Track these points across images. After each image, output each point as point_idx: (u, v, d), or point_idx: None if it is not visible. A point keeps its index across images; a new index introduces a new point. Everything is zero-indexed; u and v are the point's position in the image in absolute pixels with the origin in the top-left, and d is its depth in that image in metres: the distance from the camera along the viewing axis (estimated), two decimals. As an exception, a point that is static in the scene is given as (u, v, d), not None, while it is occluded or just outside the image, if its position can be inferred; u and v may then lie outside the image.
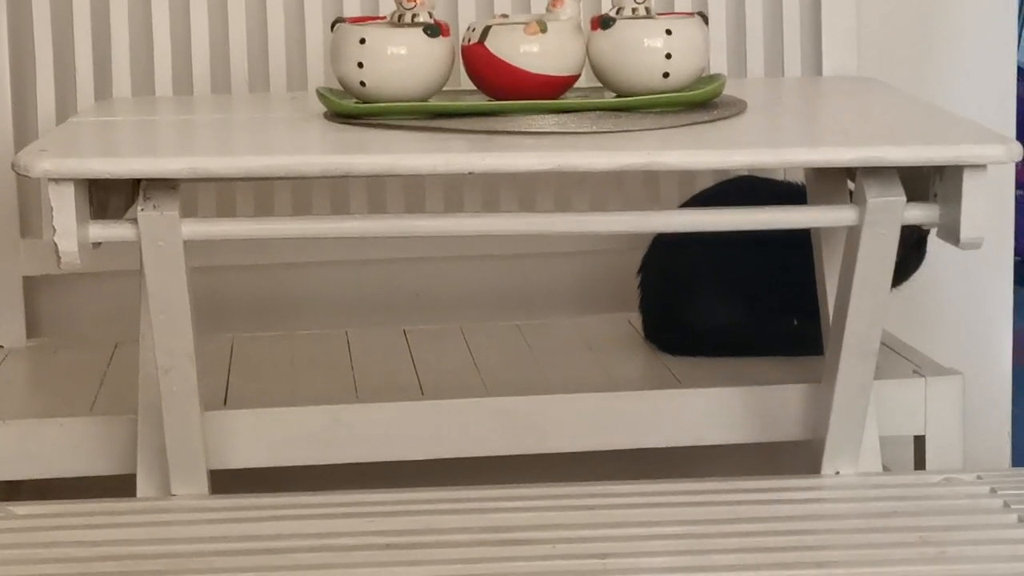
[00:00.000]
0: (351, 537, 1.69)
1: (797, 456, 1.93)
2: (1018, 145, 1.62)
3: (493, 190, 2.22)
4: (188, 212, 1.68)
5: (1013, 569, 1.59)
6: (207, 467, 1.81)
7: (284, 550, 1.67)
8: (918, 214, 1.69)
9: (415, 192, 2.21)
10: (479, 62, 1.74)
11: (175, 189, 1.65)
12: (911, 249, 1.99)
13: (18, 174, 1.60)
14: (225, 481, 1.85)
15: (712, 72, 1.97)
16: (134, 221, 1.65)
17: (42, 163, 1.60)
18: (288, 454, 1.90)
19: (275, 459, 1.90)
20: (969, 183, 1.63)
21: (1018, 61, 2.44)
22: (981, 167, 1.63)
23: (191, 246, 1.67)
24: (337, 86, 1.79)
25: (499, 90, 1.75)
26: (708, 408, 1.94)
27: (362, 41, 1.72)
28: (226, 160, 1.66)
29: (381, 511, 1.76)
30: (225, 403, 1.93)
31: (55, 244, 1.61)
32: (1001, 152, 1.62)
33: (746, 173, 2.07)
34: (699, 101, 1.77)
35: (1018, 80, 2.53)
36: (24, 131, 2.17)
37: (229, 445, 1.88)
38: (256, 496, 1.80)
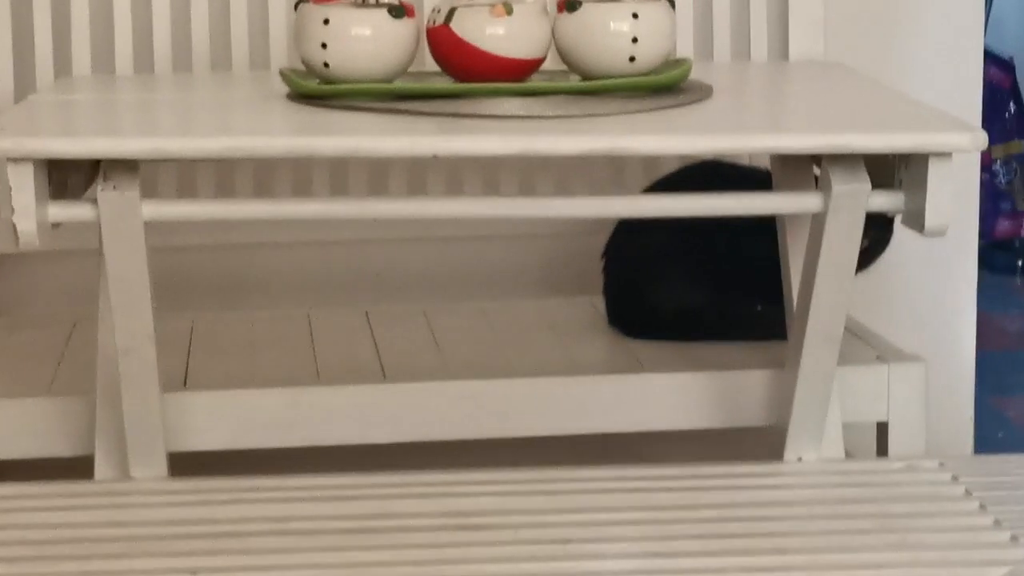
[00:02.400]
0: (311, 521, 1.69)
1: (760, 442, 1.94)
2: (983, 133, 1.63)
3: (457, 172, 2.22)
4: (148, 192, 1.68)
5: (973, 556, 1.61)
6: (166, 449, 1.81)
7: (243, 534, 1.67)
8: (883, 201, 1.70)
9: (378, 173, 2.21)
10: (444, 44, 1.74)
11: (135, 170, 1.65)
12: (880, 230, 2.00)
13: (-24, 153, 1.60)
14: (184, 463, 1.85)
15: (678, 56, 1.97)
16: (94, 201, 1.64)
17: (1, 142, 1.59)
18: (248, 436, 1.90)
19: (235, 441, 1.90)
20: (934, 171, 1.64)
21: (986, 45, 2.45)
22: (946, 155, 1.64)
23: (151, 226, 1.67)
24: (300, 66, 1.79)
25: (464, 72, 1.75)
26: (671, 392, 1.94)
27: (326, 21, 1.71)
28: (188, 141, 1.66)
29: (341, 495, 1.76)
30: (185, 384, 1.93)
31: (13, 224, 1.60)
32: (967, 141, 1.63)
33: (711, 159, 2.08)
34: (665, 85, 1.78)
35: (987, 64, 2.55)
36: (-18, 108, 2.16)
37: (189, 427, 1.87)
38: (215, 479, 1.80)
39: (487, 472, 1.82)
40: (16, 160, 1.59)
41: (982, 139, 1.63)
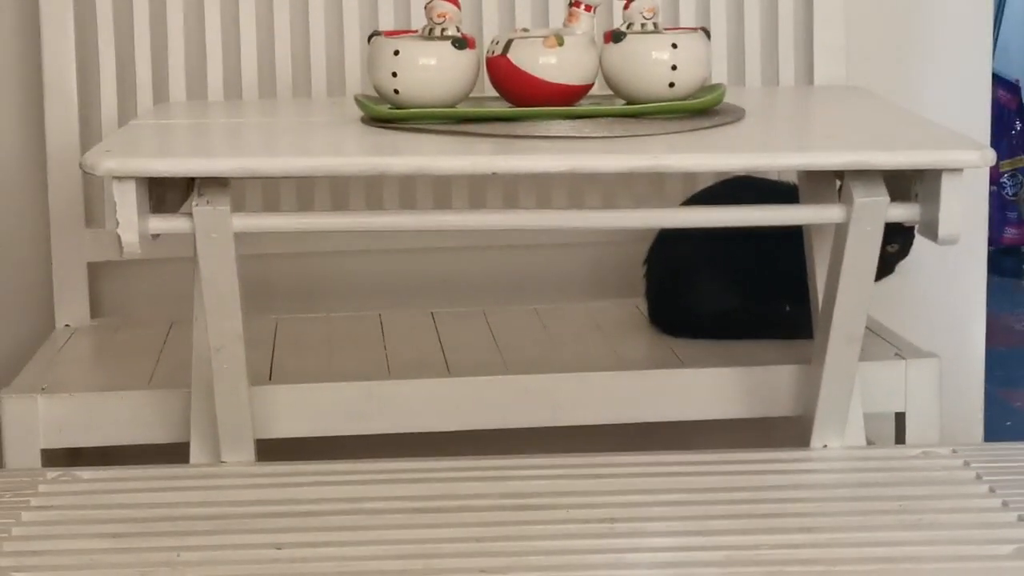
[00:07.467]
0: (380, 501, 1.70)
1: (788, 430, 1.93)
2: (991, 151, 1.62)
3: (513, 187, 2.22)
4: (237, 206, 1.69)
5: (984, 536, 1.59)
6: (254, 436, 1.82)
7: (322, 513, 1.67)
8: (900, 212, 1.69)
9: (442, 188, 2.21)
10: (502, 72, 1.75)
11: (226, 186, 1.66)
12: (905, 239, 1.99)
13: (84, 172, 1.62)
14: (269, 449, 1.86)
15: (713, 82, 1.97)
16: (189, 215, 1.66)
17: (107, 163, 1.61)
18: (326, 425, 1.91)
19: (314, 429, 1.91)
20: (947, 185, 1.64)
21: (993, 69, 2.43)
22: (958, 171, 1.63)
23: (240, 237, 1.68)
24: (373, 93, 1.80)
25: (520, 98, 1.75)
26: (707, 386, 1.94)
27: (396, 53, 1.72)
28: (272, 160, 1.67)
29: (408, 478, 1.76)
30: (270, 378, 1.94)
31: (118, 236, 1.62)
32: (977, 157, 1.62)
33: (744, 174, 2.07)
34: (702, 109, 1.77)
35: (995, 86, 2.53)
36: (88, 132, 2.18)
37: (273, 417, 1.88)
38: (297, 463, 1.81)
39: (541, 458, 1.81)
40: (120, 178, 1.61)
41: (991, 155, 1.62)
